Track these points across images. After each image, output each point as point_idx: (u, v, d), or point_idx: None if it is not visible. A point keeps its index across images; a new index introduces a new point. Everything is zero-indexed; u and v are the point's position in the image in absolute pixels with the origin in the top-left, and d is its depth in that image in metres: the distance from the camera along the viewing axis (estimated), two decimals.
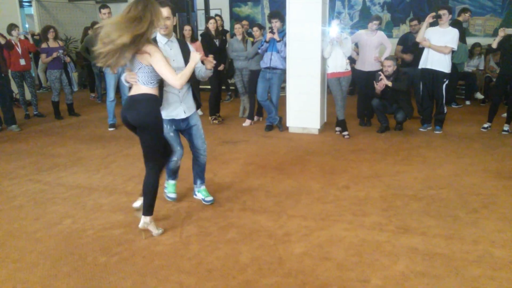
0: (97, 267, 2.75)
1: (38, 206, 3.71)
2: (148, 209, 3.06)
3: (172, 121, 3.32)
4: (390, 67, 5.69)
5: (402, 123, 5.96)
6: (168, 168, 3.57)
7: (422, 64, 5.81)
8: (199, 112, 7.34)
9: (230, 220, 3.37)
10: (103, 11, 5.95)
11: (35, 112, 7.48)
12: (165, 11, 3.03)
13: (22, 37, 7.35)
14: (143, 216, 3.07)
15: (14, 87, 7.41)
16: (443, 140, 5.52)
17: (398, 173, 4.34)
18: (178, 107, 3.27)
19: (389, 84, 5.60)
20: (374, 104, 5.84)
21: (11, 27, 7.01)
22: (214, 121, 6.63)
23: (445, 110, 5.87)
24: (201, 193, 3.70)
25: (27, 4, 11.78)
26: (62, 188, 4.13)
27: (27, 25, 11.49)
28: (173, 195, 3.73)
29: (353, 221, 3.31)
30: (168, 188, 3.76)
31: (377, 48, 6.07)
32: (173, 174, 3.69)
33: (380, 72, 5.71)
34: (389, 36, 8.09)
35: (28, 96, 7.56)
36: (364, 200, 3.70)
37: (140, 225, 3.08)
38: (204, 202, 3.67)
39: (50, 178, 4.41)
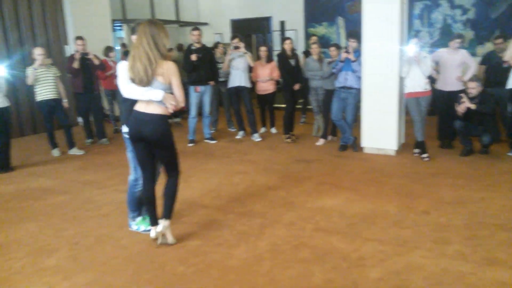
0: (175, 277, 2.89)
1: (122, 215, 3.97)
2: (171, 212, 3.26)
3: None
4: (474, 89, 5.37)
5: (489, 146, 5.58)
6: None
7: (510, 84, 5.43)
8: (273, 130, 7.48)
9: (302, 239, 3.37)
10: (193, 32, 6.49)
11: None
12: None
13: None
14: (163, 220, 3.24)
15: (105, 104, 8.11)
16: None
17: (484, 200, 4.06)
18: None
19: (473, 107, 5.29)
20: (457, 126, 5.53)
21: (108, 49, 7.78)
22: (287, 139, 6.69)
23: None
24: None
25: (118, 28, 12.86)
26: None
27: (118, 47, 12.49)
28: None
29: (433, 249, 3.14)
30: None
31: (459, 67, 5.78)
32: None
33: (462, 94, 5.42)
34: (473, 54, 7.64)
35: (117, 112, 8.21)
36: (446, 227, 3.50)
37: (160, 228, 3.24)
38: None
39: None
